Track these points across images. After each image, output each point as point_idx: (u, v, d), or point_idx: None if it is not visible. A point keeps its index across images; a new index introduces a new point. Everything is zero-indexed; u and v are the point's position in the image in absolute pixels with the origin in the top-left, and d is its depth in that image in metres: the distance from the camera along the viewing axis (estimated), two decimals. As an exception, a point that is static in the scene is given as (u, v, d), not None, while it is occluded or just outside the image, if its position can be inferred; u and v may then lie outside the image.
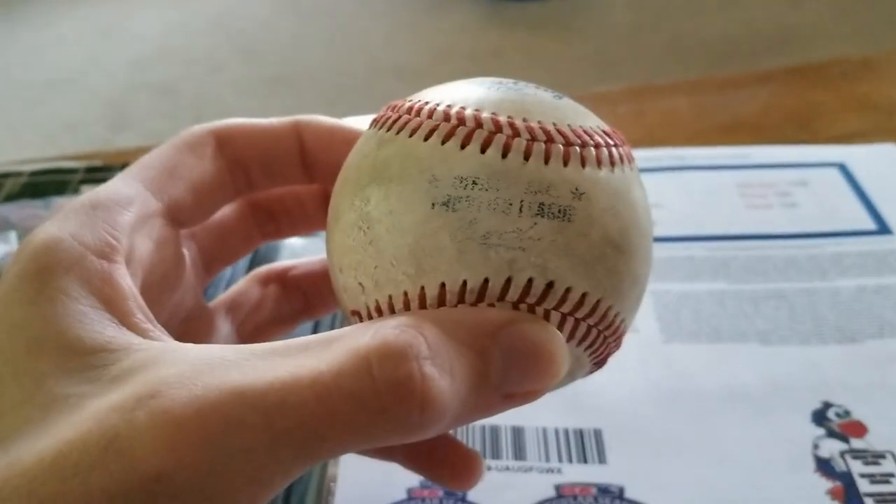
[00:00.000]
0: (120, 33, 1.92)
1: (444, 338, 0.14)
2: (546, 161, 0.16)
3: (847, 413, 0.29)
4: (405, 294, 0.16)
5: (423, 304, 0.16)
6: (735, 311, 0.33)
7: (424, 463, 0.22)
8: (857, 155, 0.42)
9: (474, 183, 0.15)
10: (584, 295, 0.16)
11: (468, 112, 0.16)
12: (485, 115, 0.16)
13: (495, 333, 0.15)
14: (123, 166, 0.44)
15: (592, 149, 0.16)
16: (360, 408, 0.13)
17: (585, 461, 0.28)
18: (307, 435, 0.13)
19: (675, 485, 0.27)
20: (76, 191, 0.43)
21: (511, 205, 0.15)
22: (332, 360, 0.14)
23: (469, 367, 0.15)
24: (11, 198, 0.43)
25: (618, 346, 0.18)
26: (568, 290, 0.16)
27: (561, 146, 0.16)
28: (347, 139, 0.20)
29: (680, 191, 0.40)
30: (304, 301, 0.24)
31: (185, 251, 0.21)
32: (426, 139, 0.16)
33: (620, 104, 0.51)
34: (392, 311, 0.16)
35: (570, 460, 0.28)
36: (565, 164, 0.16)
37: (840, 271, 0.35)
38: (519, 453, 0.28)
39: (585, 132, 0.17)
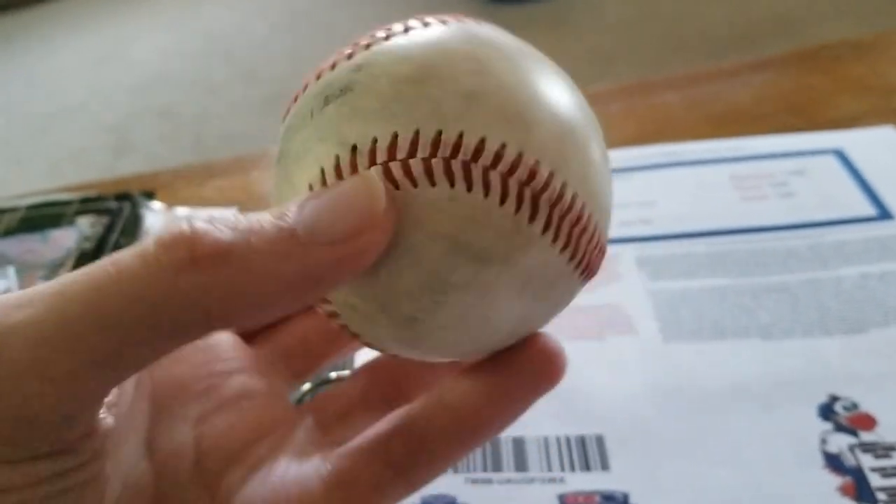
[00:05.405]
0: (119, 60, 1.94)
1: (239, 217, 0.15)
2: (332, 68, 0.17)
3: (855, 406, 0.28)
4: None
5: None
6: (736, 306, 0.33)
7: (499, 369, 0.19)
8: (854, 140, 0.41)
9: (288, 127, 0.17)
10: (416, 133, 0.15)
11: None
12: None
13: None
14: (119, 195, 0.45)
15: (380, 33, 0.17)
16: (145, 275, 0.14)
17: (588, 469, 0.27)
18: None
19: (680, 487, 0.26)
20: (71, 222, 0.43)
21: (311, 115, 0.16)
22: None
23: (262, 219, 0.14)
24: (9, 233, 0.43)
25: (561, 206, 0.16)
26: (390, 138, 0.15)
27: (348, 50, 0.17)
28: None
29: (673, 187, 0.40)
30: (395, 389, 0.22)
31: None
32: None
33: (612, 103, 0.50)
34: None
35: (573, 469, 0.27)
36: (349, 58, 0.17)
37: (842, 260, 0.34)
38: (520, 465, 0.28)
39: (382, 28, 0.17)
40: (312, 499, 0.17)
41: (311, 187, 0.16)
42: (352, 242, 0.14)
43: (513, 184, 0.15)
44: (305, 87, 0.17)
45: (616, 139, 0.46)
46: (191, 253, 0.14)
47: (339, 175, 0.15)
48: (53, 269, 0.40)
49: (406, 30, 0.17)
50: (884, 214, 0.36)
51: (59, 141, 1.64)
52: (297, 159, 0.16)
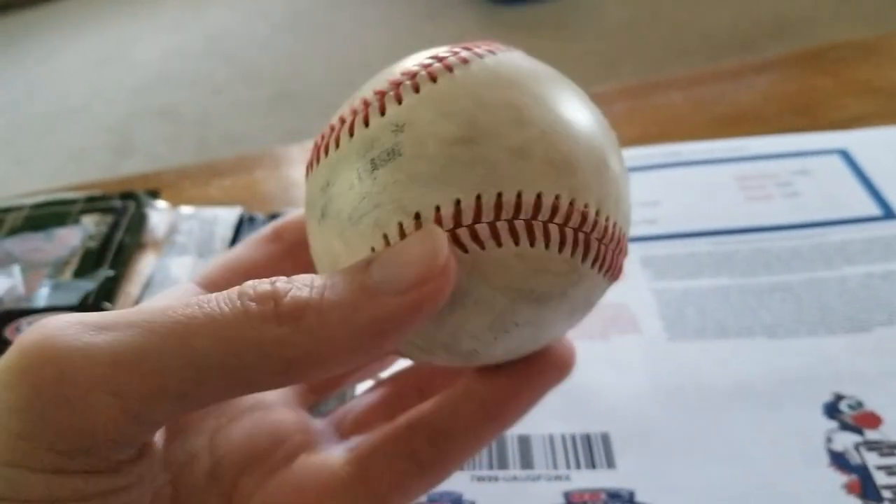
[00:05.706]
0: (120, 61, 1.94)
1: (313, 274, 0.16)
2: (366, 124, 0.17)
3: (860, 404, 0.28)
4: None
5: None
6: (740, 305, 0.33)
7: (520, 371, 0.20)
8: (859, 140, 0.41)
9: (328, 183, 0.17)
10: (478, 198, 0.15)
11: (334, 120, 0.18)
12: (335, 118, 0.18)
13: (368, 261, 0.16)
14: (123, 194, 0.45)
15: (407, 81, 0.17)
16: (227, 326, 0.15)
17: (594, 466, 0.27)
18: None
19: (686, 485, 0.26)
20: (76, 221, 0.43)
21: (359, 178, 0.16)
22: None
23: (334, 277, 0.16)
24: (14, 231, 0.43)
25: (606, 238, 0.17)
26: (453, 205, 0.15)
27: (376, 100, 0.17)
28: None
29: (677, 187, 0.40)
30: (418, 398, 0.23)
31: None
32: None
33: (616, 102, 0.51)
34: None
35: (578, 466, 0.27)
36: (382, 113, 0.16)
37: (846, 259, 0.34)
38: (526, 462, 0.28)
39: (404, 72, 0.17)
40: (333, 496, 0.18)
41: (373, 249, 0.16)
42: (417, 291, 0.15)
43: (569, 231, 0.16)
44: (337, 140, 0.17)
45: (620, 140, 0.46)
46: (275, 307, 0.15)
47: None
48: (58, 268, 0.40)
49: (431, 76, 0.17)
50: (888, 214, 0.37)
51: (60, 142, 1.64)
52: (351, 223, 0.16)
